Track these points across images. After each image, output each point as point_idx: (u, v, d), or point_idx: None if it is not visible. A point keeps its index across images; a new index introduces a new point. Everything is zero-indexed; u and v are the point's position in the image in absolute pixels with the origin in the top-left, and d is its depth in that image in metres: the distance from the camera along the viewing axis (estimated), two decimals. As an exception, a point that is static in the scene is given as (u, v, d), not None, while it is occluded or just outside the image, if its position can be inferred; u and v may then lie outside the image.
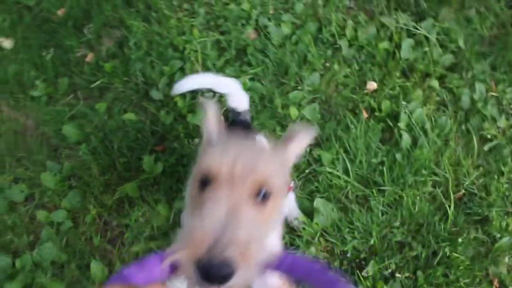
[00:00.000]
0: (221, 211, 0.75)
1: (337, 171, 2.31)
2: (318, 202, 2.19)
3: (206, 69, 2.62)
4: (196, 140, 2.34)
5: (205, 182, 0.86)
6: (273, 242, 1.18)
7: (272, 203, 0.87)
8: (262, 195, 0.84)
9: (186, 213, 1.00)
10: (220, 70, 2.62)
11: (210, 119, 1.05)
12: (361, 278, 2.10)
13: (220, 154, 0.86)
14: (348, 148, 2.39)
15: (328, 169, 2.30)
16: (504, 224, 2.29)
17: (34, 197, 2.33)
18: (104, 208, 2.26)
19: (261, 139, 1.65)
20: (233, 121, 1.79)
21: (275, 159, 0.94)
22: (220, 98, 2.35)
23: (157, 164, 2.28)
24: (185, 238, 0.74)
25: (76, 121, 2.47)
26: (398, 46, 2.77)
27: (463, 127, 2.54)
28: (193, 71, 2.59)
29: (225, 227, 0.71)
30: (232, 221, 0.73)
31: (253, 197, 0.83)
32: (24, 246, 2.19)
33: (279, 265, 0.77)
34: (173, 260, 0.72)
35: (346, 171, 2.33)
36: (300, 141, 1.05)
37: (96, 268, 2.12)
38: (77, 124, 2.45)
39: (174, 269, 0.74)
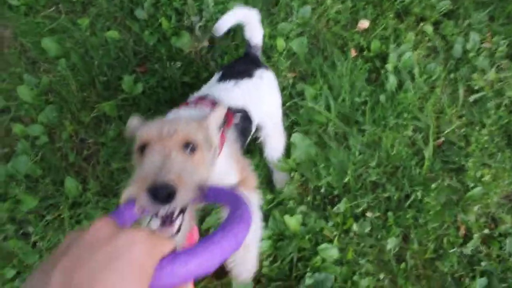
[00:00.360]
0: (157, 156, 0.97)
1: (319, 106, 2.28)
2: (295, 137, 2.17)
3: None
4: (178, 63, 2.28)
5: (143, 149, 1.07)
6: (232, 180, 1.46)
7: (199, 155, 1.10)
8: (189, 149, 1.07)
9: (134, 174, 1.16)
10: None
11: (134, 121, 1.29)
12: (332, 214, 2.13)
13: (150, 126, 1.09)
14: (333, 85, 2.35)
15: (310, 104, 2.27)
16: (478, 174, 2.31)
17: (10, 109, 2.29)
18: (81, 125, 2.23)
19: (265, 74, 1.86)
20: (246, 53, 1.94)
21: (196, 123, 1.17)
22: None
23: (137, 85, 2.24)
24: (134, 179, 0.93)
25: (57, 35, 2.38)
26: (396, -13, 2.68)
27: (452, 75, 2.50)
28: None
29: (162, 164, 0.94)
30: (166, 160, 0.95)
31: (181, 150, 1.05)
32: (-1, 158, 2.18)
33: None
34: (129, 195, 0.90)
35: (328, 108, 2.31)
36: (217, 113, 1.29)
37: (70, 184, 2.12)
38: (57, 38, 2.36)
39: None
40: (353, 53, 2.44)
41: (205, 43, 2.35)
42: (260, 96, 1.81)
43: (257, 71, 1.83)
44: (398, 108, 2.34)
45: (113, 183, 2.13)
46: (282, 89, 2.35)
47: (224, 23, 1.82)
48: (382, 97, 2.36)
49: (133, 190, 0.89)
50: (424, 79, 2.44)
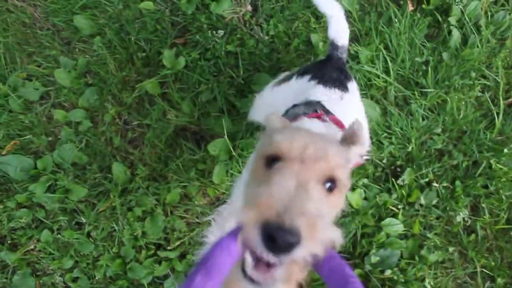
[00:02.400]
0: (290, 182, 0.72)
1: (377, 69, 2.08)
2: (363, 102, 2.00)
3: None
4: (221, 32, 2.10)
5: (273, 160, 0.83)
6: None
7: (337, 196, 0.84)
8: (328, 185, 0.81)
9: (248, 186, 0.93)
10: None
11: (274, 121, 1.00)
12: (396, 186, 1.98)
13: (292, 136, 0.84)
14: (390, 44, 2.14)
15: (367, 68, 2.07)
16: (554, 133, 2.09)
17: (50, 95, 2.19)
18: (123, 106, 2.12)
19: (354, 87, 1.55)
20: (329, 56, 1.61)
21: (342, 154, 0.89)
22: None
23: (179, 59, 2.08)
24: (251, 201, 0.71)
25: (89, 11, 2.23)
26: None
27: (523, 24, 2.23)
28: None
29: (295, 197, 0.69)
30: (302, 193, 0.70)
31: (321, 183, 0.79)
32: (44, 146, 2.10)
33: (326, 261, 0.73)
34: (240, 219, 0.68)
35: (386, 70, 2.11)
36: (361, 148, 0.98)
37: (118, 169, 2.03)
38: (90, 15, 2.21)
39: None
40: (410, 7, 2.19)
41: (248, 8, 2.16)
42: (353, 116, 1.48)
43: (349, 84, 1.52)
44: (464, 67, 2.11)
45: (162, 166, 2.03)
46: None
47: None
48: (445, 55, 2.13)
49: (247, 215, 0.67)
50: (491, 31, 2.18)
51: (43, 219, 1.99)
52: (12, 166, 2.04)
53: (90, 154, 2.08)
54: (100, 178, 2.03)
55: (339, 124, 1.30)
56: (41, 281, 1.96)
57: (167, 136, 2.05)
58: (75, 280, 1.96)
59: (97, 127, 2.13)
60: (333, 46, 1.60)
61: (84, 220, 1.97)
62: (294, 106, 1.41)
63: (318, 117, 1.28)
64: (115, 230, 1.96)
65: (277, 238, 0.63)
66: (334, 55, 1.59)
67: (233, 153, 1.95)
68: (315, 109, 1.33)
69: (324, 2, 1.60)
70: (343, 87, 1.48)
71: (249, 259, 0.71)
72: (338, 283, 0.67)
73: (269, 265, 0.71)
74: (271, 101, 1.68)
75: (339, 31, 1.60)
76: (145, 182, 2.00)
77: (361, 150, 0.97)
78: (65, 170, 2.05)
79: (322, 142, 0.84)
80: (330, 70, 1.52)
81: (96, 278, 1.93)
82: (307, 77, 1.50)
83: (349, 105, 1.47)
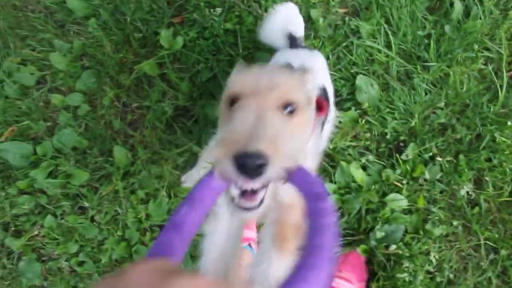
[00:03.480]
0: (250, 115, 0.80)
1: (378, 44, 2.05)
2: (360, 79, 1.97)
3: None
4: (218, 10, 2.05)
5: (234, 100, 0.90)
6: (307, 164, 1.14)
7: (299, 119, 0.91)
8: (288, 109, 0.89)
9: (218, 129, 1.05)
10: None
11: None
12: (400, 161, 1.97)
13: (245, 74, 0.93)
14: (391, 18, 2.10)
15: (368, 42, 2.04)
16: (558, 105, 2.08)
17: (46, 79, 2.15)
18: (122, 89, 2.09)
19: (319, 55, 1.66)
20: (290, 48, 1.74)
21: (295, 78, 0.98)
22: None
23: (177, 39, 2.04)
24: (220, 140, 0.78)
25: (82, -9, 2.18)
26: None
27: (526, -7, 2.19)
28: None
29: (255, 126, 0.76)
30: (261, 122, 0.78)
31: (279, 109, 0.87)
32: (43, 132, 2.07)
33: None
34: (212, 157, 0.76)
35: (388, 45, 2.07)
36: (313, 74, 1.07)
37: (119, 153, 2.01)
38: (83, -5, 2.16)
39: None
40: (411, -21, 2.15)
41: (245, -16, 2.11)
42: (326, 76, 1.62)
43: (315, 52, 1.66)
44: (467, 39, 2.08)
45: (163, 148, 2.01)
46: (336, 27, 2.12)
47: (270, 33, 1.76)
48: (447, 28, 2.09)
49: (217, 153, 0.75)
50: (494, 2, 2.14)
51: (45, 205, 1.98)
52: (11, 153, 2.02)
53: (90, 138, 2.06)
54: (102, 162, 2.01)
55: None
56: (47, 266, 1.96)
57: (168, 117, 2.02)
58: (81, 264, 1.96)
59: (95, 111, 2.10)
60: (292, 38, 1.73)
61: (87, 205, 1.96)
62: None
63: None
64: (118, 213, 1.95)
65: (246, 164, 0.71)
66: (295, 46, 1.71)
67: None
68: None
69: (282, 16, 1.76)
70: (310, 50, 1.64)
71: (235, 192, 0.80)
72: (304, 189, 0.73)
73: (253, 192, 0.80)
74: None
75: (296, 25, 1.76)
76: (147, 165, 1.98)
77: (313, 76, 1.06)
78: (65, 155, 2.03)
79: (273, 72, 0.93)
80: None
81: (102, 261, 1.93)
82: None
83: (317, 65, 1.57)
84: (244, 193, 0.80)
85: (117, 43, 2.11)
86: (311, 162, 1.20)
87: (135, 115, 2.09)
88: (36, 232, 1.98)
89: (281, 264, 1.08)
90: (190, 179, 1.89)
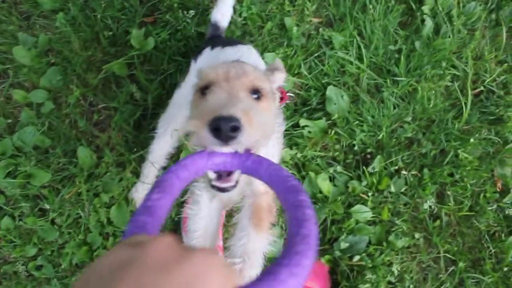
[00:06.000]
0: (223, 94, 0.89)
1: (350, 56, 2.07)
2: (330, 90, 1.98)
3: None
4: (192, 12, 2.02)
5: (205, 89, 0.97)
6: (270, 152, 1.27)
7: (266, 103, 1.00)
8: (256, 96, 0.97)
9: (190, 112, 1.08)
10: None
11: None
12: (367, 173, 2.00)
13: (216, 66, 1.00)
14: (364, 31, 2.12)
15: (340, 54, 2.05)
16: (518, 125, 2.16)
17: (8, 74, 2.06)
18: (89, 88, 2.02)
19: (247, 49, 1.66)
20: (212, 36, 1.78)
21: (261, 72, 1.07)
22: None
23: (148, 40, 2.00)
24: (194, 116, 0.86)
25: (50, -16, 2.09)
26: None
27: (493, 16, 2.26)
28: None
29: (228, 100, 0.85)
30: (233, 97, 0.87)
31: (249, 93, 0.96)
32: (3, 129, 1.98)
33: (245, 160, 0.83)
34: (188, 128, 0.82)
35: (359, 57, 2.10)
36: (282, 73, 1.17)
37: (84, 154, 1.95)
38: (51, -12, 2.08)
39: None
40: (385, -7, 2.18)
41: (220, -12, 2.08)
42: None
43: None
44: (435, 56, 2.13)
45: (129, 151, 1.96)
46: (309, 37, 2.12)
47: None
48: (417, 44, 2.14)
49: (193, 124, 0.81)
50: (462, 21, 2.20)
51: (3, 206, 1.90)
52: (-33, 150, 1.92)
53: (54, 137, 1.98)
54: (65, 163, 1.94)
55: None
56: (1, 270, 1.88)
57: (135, 119, 1.98)
58: (38, 268, 1.88)
59: (60, 109, 2.02)
60: (215, 27, 1.79)
61: (48, 206, 1.88)
62: None
63: None
64: (80, 216, 1.89)
65: (221, 126, 0.76)
66: (215, 36, 1.77)
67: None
68: None
69: None
70: (242, 43, 1.65)
71: (212, 175, 0.87)
72: (278, 185, 0.75)
73: (229, 175, 0.86)
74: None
75: (224, 15, 1.80)
76: (112, 167, 1.93)
77: (283, 75, 1.17)
78: (26, 154, 1.95)
79: (241, 65, 1.03)
80: (221, 39, 1.73)
81: (62, 266, 1.86)
82: (208, 50, 1.61)
83: (255, 57, 1.63)
84: (220, 177, 0.87)
85: (86, 40, 2.04)
86: (274, 150, 1.32)
87: (102, 116, 2.03)
88: (-9, 234, 1.89)
89: (258, 239, 1.26)
90: (137, 195, 1.91)
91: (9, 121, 1.99)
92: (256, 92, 0.98)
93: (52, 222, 1.90)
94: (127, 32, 2.04)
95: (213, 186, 0.87)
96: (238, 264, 1.22)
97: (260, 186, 1.20)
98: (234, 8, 2.09)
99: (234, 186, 0.87)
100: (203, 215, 1.29)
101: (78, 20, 2.04)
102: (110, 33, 2.05)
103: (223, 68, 0.98)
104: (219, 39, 1.73)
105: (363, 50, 2.08)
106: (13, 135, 1.95)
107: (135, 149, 1.95)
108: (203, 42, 2.05)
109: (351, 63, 2.07)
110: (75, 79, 2.02)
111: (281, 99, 1.24)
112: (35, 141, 1.95)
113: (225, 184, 0.86)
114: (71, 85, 2.01)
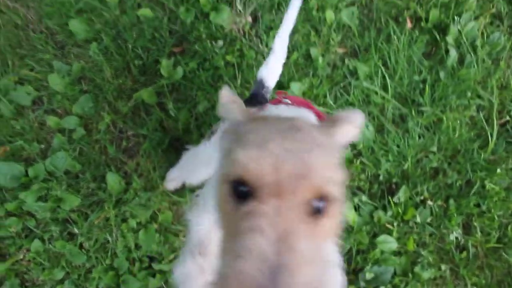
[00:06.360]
0: (267, 243, 0.52)
1: (375, 86, 2.09)
2: (356, 120, 2.00)
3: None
4: (220, 42, 2.08)
5: (241, 191, 0.61)
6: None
7: (329, 219, 0.61)
8: (317, 207, 0.60)
9: (217, 220, 0.71)
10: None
11: (229, 105, 0.76)
12: (392, 203, 1.99)
13: (258, 150, 0.60)
14: (388, 61, 2.15)
15: (365, 84, 2.08)
16: (545, 154, 2.14)
17: (43, 100, 2.14)
18: (119, 115, 2.08)
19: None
20: (254, 94, 1.52)
21: (329, 148, 0.66)
22: None
23: (177, 69, 2.05)
24: (222, 273, 0.55)
25: (84, 15, 2.18)
26: None
27: (517, 45, 2.27)
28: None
29: (276, 269, 0.50)
30: (286, 250, 0.52)
31: (307, 212, 0.58)
32: (36, 154, 2.04)
33: None
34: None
35: (384, 87, 2.12)
36: (352, 123, 0.74)
37: (113, 180, 1.99)
38: (86, 19, 2.16)
39: None
40: (409, 24, 2.21)
41: (248, 19, 2.14)
42: None
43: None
44: (460, 86, 2.13)
45: (158, 178, 2.00)
46: (334, 66, 2.16)
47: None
48: (442, 74, 2.15)
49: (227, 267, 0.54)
50: (487, 51, 2.21)
51: (33, 228, 1.94)
52: (1, 173, 1.98)
53: (84, 163, 2.04)
54: (94, 188, 1.99)
55: (302, 103, 1.14)
56: (29, 292, 1.92)
57: (164, 147, 2.02)
58: (65, 292, 1.92)
59: (91, 135, 2.08)
60: (260, 85, 1.53)
61: (76, 231, 1.92)
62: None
63: (279, 102, 1.14)
64: (108, 241, 1.92)
65: None
66: (259, 94, 1.50)
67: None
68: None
69: (279, 33, 1.52)
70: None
71: None
72: None
73: None
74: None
75: (272, 73, 1.54)
76: (140, 193, 1.97)
77: (353, 131, 0.75)
78: (57, 179, 2.00)
79: (298, 143, 0.61)
80: (264, 99, 1.50)
81: (88, 290, 1.89)
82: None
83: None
84: None
85: (117, 68, 2.11)
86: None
87: (131, 142, 2.08)
88: (21, 256, 1.93)
89: None
90: (172, 182, 1.90)
91: (42, 146, 2.05)
92: (320, 201, 0.60)
93: (80, 246, 1.94)
94: (157, 62, 2.10)
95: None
96: None
97: None
98: (260, 38, 2.16)
99: None
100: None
101: (110, 49, 2.12)
102: (141, 62, 2.12)
103: (272, 155, 0.59)
104: (262, 99, 1.49)
105: (388, 80, 2.10)
106: (45, 160, 2.01)
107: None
108: (230, 71, 2.10)
109: (376, 93, 2.09)
110: (106, 106, 2.08)
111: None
112: (66, 166, 2.01)
113: None
114: (102, 112, 2.07)
